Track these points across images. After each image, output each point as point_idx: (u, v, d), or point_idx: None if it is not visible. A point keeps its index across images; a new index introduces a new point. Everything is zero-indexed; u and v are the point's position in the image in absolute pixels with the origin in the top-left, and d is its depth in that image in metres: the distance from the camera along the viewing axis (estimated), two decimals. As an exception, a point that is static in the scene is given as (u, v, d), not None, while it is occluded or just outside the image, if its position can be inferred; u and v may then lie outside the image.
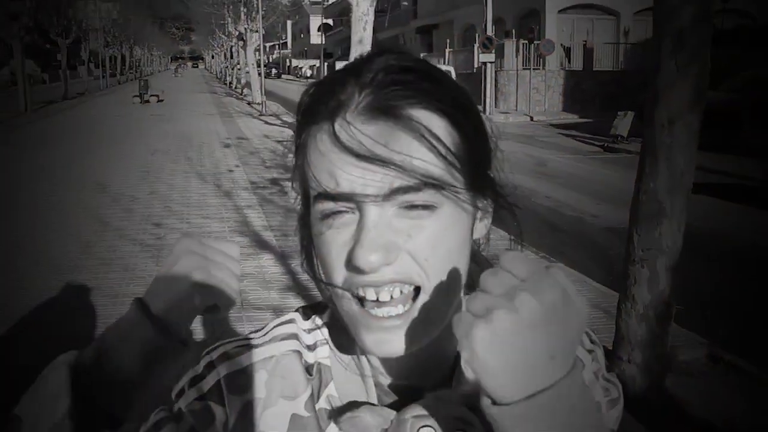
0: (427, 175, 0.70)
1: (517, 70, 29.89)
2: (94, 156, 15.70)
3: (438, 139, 0.70)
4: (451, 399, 0.75)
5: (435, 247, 0.71)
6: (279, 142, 18.10)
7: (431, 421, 0.73)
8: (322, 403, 0.82)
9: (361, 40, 13.50)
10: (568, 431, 0.61)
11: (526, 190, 12.82)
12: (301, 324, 0.88)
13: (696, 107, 4.07)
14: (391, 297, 0.71)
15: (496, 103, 29.13)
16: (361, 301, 0.72)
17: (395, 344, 0.72)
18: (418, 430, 0.73)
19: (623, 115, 19.58)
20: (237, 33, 41.01)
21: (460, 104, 0.74)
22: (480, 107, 22.79)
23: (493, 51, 27.12)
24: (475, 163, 0.75)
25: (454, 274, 0.74)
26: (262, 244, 8.11)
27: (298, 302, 6.20)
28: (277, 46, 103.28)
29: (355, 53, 14.14)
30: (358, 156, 0.69)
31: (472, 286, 0.77)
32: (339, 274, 0.73)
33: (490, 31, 27.24)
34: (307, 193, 0.76)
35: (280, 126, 22.52)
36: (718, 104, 14.49)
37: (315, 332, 0.87)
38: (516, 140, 20.46)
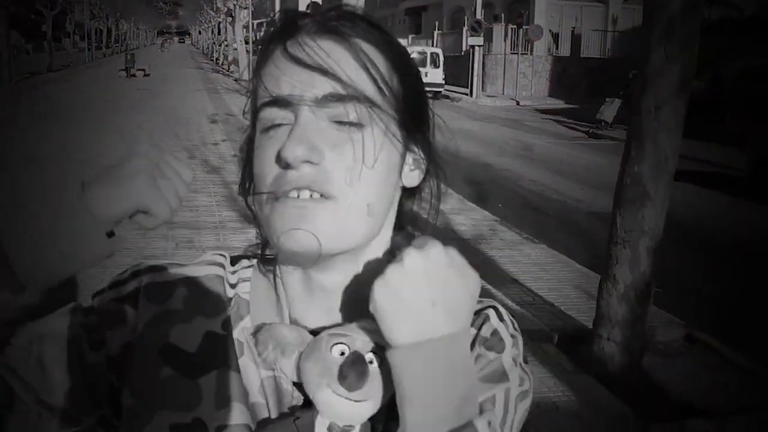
0: (359, 90, 0.76)
1: (505, 55, 29.95)
2: (79, 130, 15.63)
3: (375, 66, 0.77)
4: (369, 329, 0.77)
5: (356, 162, 0.75)
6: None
7: (346, 340, 0.76)
8: (236, 334, 0.83)
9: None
10: (448, 388, 0.70)
11: (512, 173, 12.95)
12: (228, 264, 0.90)
13: (683, 94, 4.18)
14: (310, 197, 0.75)
15: (483, 86, 29.23)
16: (277, 200, 0.76)
17: (302, 237, 0.74)
18: (332, 346, 0.75)
19: (610, 101, 19.71)
20: (225, 9, 40.73)
21: (401, 56, 0.81)
22: (467, 90, 22.81)
23: (482, 35, 27.19)
24: (408, 107, 0.80)
25: (375, 193, 0.78)
26: (250, 218, 8.16)
27: None
28: (264, 24, 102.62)
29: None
30: (301, 63, 0.75)
31: (402, 228, 0.88)
32: (268, 177, 0.77)
33: (479, 15, 27.29)
34: (256, 113, 0.80)
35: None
36: (702, 93, 14.64)
37: (239, 272, 0.89)
38: (502, 124, 20.57)
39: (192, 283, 0.85)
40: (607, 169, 13.40)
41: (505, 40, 30.10)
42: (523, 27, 28.86)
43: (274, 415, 0.80)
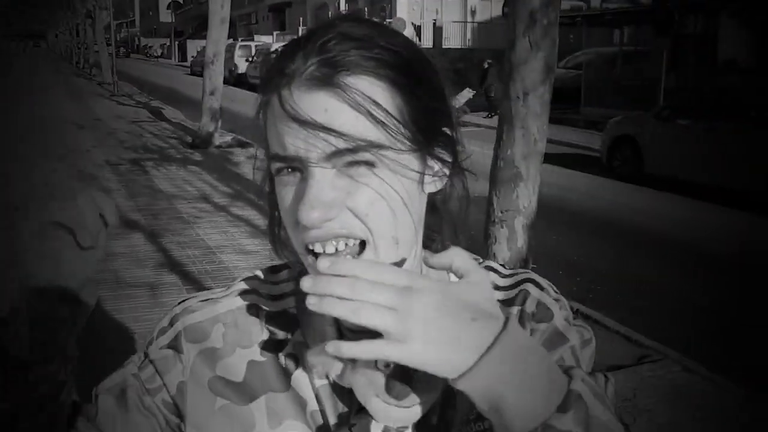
0: (364, 139, 0.74)
1: (370, 48, 30.30)
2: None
3: (376, 103, 0.75)
4: None
5: (374, 202, 0.76)
6: (134, 122, 17.71)
7: None
8: (289, 349, 0.88)
9: (223, 20, 13.45)
10: (530, 374, 0.69)
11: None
12: (268, 277, 0.94)
13: (547, 80, 4.53)
14: (336, 249, 0.76)
15: (350, 80, 29.49)
16: (314, 254, 0.78)
17: None
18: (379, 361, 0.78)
19: (460, 91, 20.37)
20: (84, 10, 39.17)
21: (406, 71, 0.78)
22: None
23: (346, 29, 27.43)
24: (420, 124, 0.79)
25: (398, 224, 0.78)
26: (131, 224, 8.07)
27: (173, 279, 6.28)
28: (124, 24, 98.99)
29: (215, 33, 14.03)
30: (301, 122, 0.74)
31: (431, 237, 0.91)
32: (293, 231, 0.80)
33: (343, 9, 27.50)
34: (268, 159, 0.82)
35: (134, 107, 21.86)
36: (559, 81, 15.41)
37: (282, 285, 0.93)
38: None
39: (226, 317, 0.90)
40: (478, 155, 13.95)
41: (369, 34, 30.46)
42: (387, 20, 29.27)
43: (332, 421, 0.85)
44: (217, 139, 14.10)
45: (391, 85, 0.76)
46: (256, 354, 0.88)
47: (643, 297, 6.37)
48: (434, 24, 32.62)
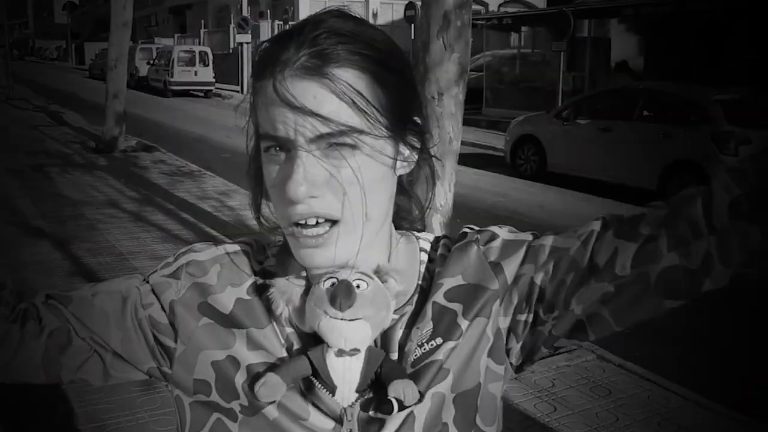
0: (347, 125, 0.84)
1: (273, 51, 30.15)
2: None
3: (360, 95, 0.84)
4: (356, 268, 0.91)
5: (353, 182, 0.86)
6: (34, 127, 17.10)
7: (336, 275, 0.89)
8: (264, 300, 0.97)
9: (125, 22, 13.19)
10: None
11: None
12: (257, 245, 1.05)
13: (461, 81, 4.68)
14: (317, 222, 0.87)
15: (253, 83, 29.26)
16: (297, 225, 0.88)
17: (320, 257, 0.89)
18: (324, 282, 0.89)
19: None
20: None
21: (386, 64, 0.88)
22: (238, 88, 22.69)
23: (249, 32, 27.23)
24: (396, 112, 0.89)
25: (371, 202, 0.89)
26: (36, 232, 7.85)
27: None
28: (17, 26, 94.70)
29: (117, 36, 13.73)
30: (292, 107, 0.83)
31: (400, 213, 1.02)
32: (278, 204, 0.90)
33: (245, 12, 27.32)
34: (257, 138, 0.92)
35: (32, 111, 21.06)
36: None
37: (269, 250, 1.05)
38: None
39: (223, 259, 1.00)
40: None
41: (272, 36, 30.33)
42: (289, 23, 29.22)
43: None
44: (122, 144, 13.81)
45: (372, 77, 0.86)
46: (242, 292, 0.97)
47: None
48: (337, 27, 32.74)
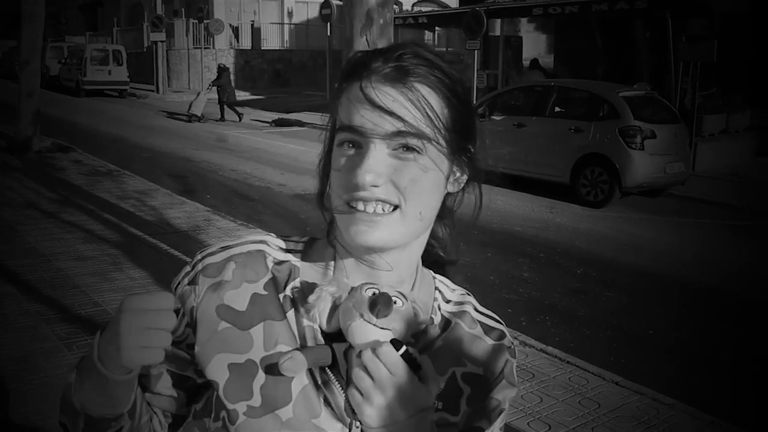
0: (416, 128, 0.96)
1: (188, 49, 29.83)
2: None
3: (432, 108, 0.97)
4: (395, 287, 1.00)
5: (414, 181, 0.97)
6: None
7: (377, 287, 0.97)
8: (287, 292, 1.07)
9: (36, 17, 12.94)
10: None
11: (212, 164, 13.22)
12: (276, 240, 1.14)
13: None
14: (374, 210, 0.97)
15: (168, 82, 28.90)
16: (354, 209, 0.98)
17: (372, 235, 0.97)
18: (366, 290, 0.96)
19: (195, 95, 21.11)
20: None
21: (454, 91, 1.01)
22: (153, 87, 22.36)
23: (163, 30, 26.89)
24: (456, 134, 1.01)
25: (425, 203, 1.00)
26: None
27: (10, 289, 6.03)
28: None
29: (29, 32, 13.39)
30: (374, 105, 0.95)
31: (442, 216, 1.12)
32: (341, 189, 0.99)
33: (159, 10, 26.97)
34: (333, 133, 1.03)
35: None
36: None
37: (291, 243, 1.14)
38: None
39: (238, 258, 1.09)
40: (301, 154, 14.29)
41: (187, 35, 29.98)
42: (204, 21, 28.95)
43: None
44: (37, 144, 13.49)
45: (443, 98, 0.99)
46: (259, 288, 1.07)
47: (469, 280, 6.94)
48: (252, 25, 32.57)
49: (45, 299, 5.80)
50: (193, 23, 29.92)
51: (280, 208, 10.09)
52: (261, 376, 1.03)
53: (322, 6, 22.57)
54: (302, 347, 1.02)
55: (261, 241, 1.13)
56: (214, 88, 20.59)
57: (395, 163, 0.97)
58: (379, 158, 0.96)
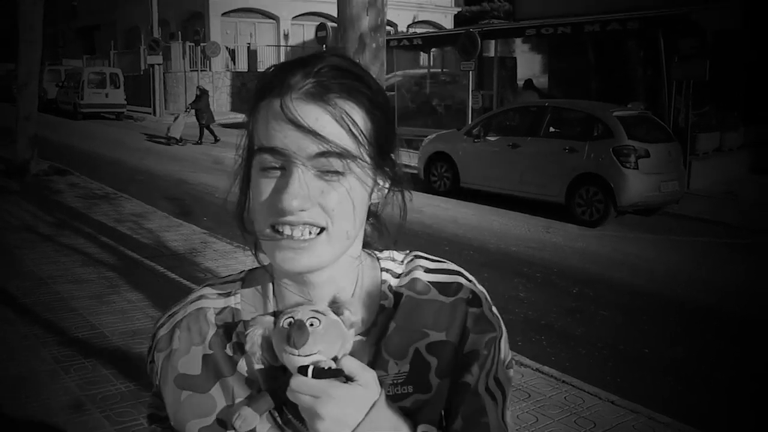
0: (341, 147, 0.93)
1: (185, 72, 29.91)
2: None
3: (354, 123, 0.94)
4: (312, 304, 1.00)
5: (340, 203, 0.95)
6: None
7: (293, 313, 0.97)
8: (234, 338, 1.07)
9: (34, 41, 13.05)
10: None
11: (209, 187, 13.22)
12: (217, 281, 1.15)
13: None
14: (301, 235, 0.94)
15: (165, 104, 28.97)
16: (279, 233, 0.95)
17: (299, 261, 0.96)
18: (284, 321, 0.97)
19: (175, 117, 21.06)
20: None
21: (376, 102, 0.99)
22: (150, 109, 22.45)
23: (160, 53, 26.99)
24: (379, 146, 0.99)
25: (351, 222, 0.98)
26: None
27: (6, 313, 6.07)
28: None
29: (27, 55, 13.48)
30: (296, 125, 0.92)
31: (365, 238, 1.11)
32: (265, 214, 0.96)
33: (156, 34, 27.09)
34: (251, 152, 0.99)
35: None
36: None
37: (228, 285, 1.13)
38: (191, 141, 20.71)
39: (181, 323, 1.10)
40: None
41: (183, 58, 30.11)
42: (201, 44, 29.09)
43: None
44: (34, 167, 13.50)
45: (365, 111, 0.97)
46: (206, 348, 1.07)
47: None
48: (248, 48, 32.73)
49: (42, 321, 5.82)
50: (189, 46, 30.06)
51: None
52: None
53: (318, 28, 22.69)
54: (249, 398, 1.03)
55: (198, 297, 1.12)
56: (193, 111, 20.66)
57: (321, 185, 0.94)
58: (304, 181, 0.93)
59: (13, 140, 13.77)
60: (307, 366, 0.92)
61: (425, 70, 23.16)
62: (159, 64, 27.28)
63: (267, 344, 1.00)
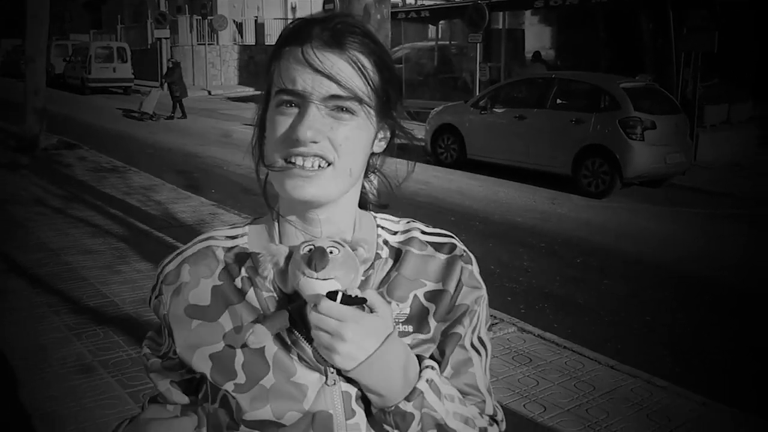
0: (354, 92, 1.04)
1: (192, 46, 29.90)
2: None
3: (366, 72, 1.06)
4: (331, 237, 1.08)
5: (347, 138, 1.05)
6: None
7: (313, 242, 1.04)
8: (243, 273, 1.14)
9: (41, 16, 13.10)
10: (393, 373, 1.04)
11: (218, 160, 13.30)
12: (220, 232, 1.21)
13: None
14: (311, 165, 1.04)
15: (173, 79, 28.98)
16: (292, 164, 1.05)
17: (307, 189, 1.05)
18: (303, 248, 1.03)
19: (147, 93, 20.78)
20: None
21: (384, 60, 1.10)
22: (157, 83, 22.38)
23: (167, 27, 26.99)
24: (386, 98, 1.10)
25: (355, 160, 1.08)
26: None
27: (21, 283, 6.13)
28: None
29: (34, 30, 13.51)
30: (314, 69, 1.03)
31: (366, 174, 1.20)
32: (280, 147, 1.06)
33: (163, 7, 27.06)
34: (269, 94, 1.10)
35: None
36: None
37: (237, 229, 1.21)
38: (199, 114, 20.74)
39: (190, 259, 1.17)
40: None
41: (190, 32, 30.07)
42: (208, 18, 29.04)
43: None
44: (43, 142, 13.60)
45: (375, 62, 1.08)
46: (216, 280, 1.15)
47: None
48: (256, 21, 32.64)
49: (54, 291, 5.93)
50: (196, 20, 29.99)
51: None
52: (240, 356, 1.11)
53: (325, 1, 22.62)
54: (263, 317, 1.10)
55: (207, 238, 1.21)
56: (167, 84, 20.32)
57: (332, 122, 1.04)
58: (318, 117, 1.03)
59: (22, 115, 13.83)
60: (336, 292, 0.99)
61: (433, 43, 23.08)
62: (166, 38, 27.33)
63: (279, 271, 1.08)
